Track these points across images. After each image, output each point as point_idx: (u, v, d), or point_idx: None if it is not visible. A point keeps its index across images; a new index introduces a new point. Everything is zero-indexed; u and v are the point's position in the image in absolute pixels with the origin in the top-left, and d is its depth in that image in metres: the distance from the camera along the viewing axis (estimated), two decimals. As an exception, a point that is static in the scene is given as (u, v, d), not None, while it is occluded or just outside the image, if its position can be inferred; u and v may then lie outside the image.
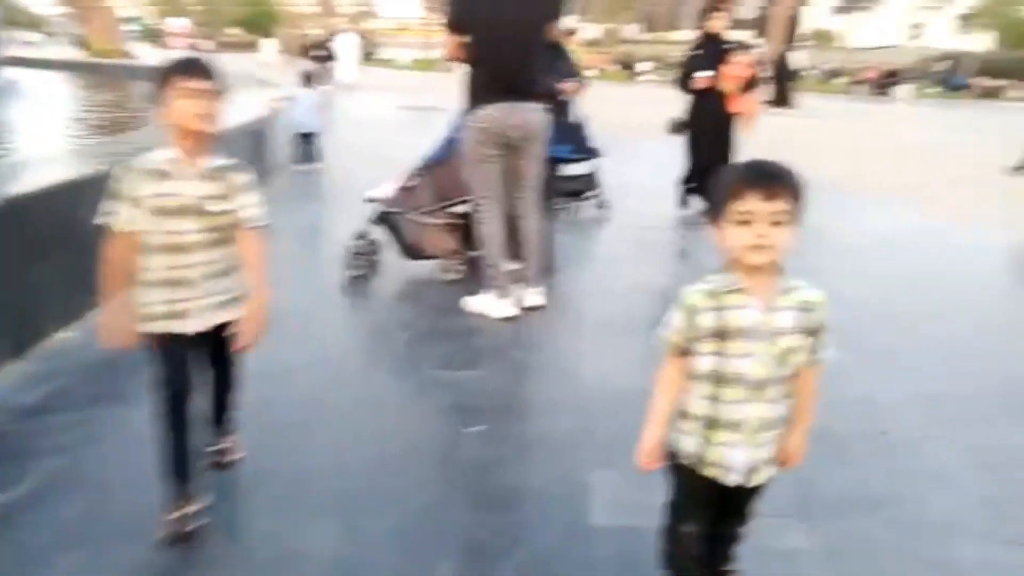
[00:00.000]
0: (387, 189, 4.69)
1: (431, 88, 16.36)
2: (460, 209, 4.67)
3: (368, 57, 43.51)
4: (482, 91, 3.93)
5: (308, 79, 9.42)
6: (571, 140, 6.45)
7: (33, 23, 72.22)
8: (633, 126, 11.90)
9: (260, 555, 2.16)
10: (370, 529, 2.28)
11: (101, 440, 2.73)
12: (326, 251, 5.23)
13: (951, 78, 35.10)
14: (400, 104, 16.51)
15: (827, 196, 6.94)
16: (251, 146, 7.46)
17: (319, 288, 4.57)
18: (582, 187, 6.85)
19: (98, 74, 26.56)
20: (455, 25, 3.95)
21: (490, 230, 4.10)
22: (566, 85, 6.34)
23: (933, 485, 2.62)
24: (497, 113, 3.89)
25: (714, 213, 1.60)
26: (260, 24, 66.06)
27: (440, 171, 4.55)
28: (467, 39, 3.92)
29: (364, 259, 4.72)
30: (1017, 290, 5.53)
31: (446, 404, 3.13)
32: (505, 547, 2.22)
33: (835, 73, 40.50)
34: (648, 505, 2.38)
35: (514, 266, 4.37)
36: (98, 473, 2.53)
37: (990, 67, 35.59)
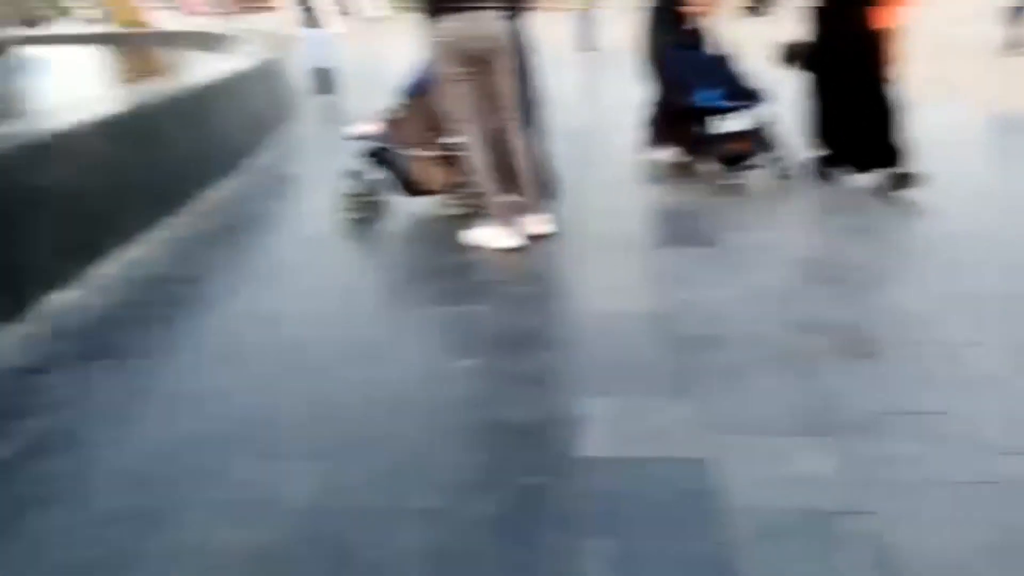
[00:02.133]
0: (369, 125, 4.49)
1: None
2: (455, 139, 4.47)
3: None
4: (437, 2, 3.67)
5: (313, 19, 10.40)
6: (719, 81, 4.82)
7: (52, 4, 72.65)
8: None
9: (234, 502, 2.07)
10: (352, 474, 2.16)
11: (90, 399, 2.66)
12: (325, 186, 5.06)
13: None
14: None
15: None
16: (266, 86, 7.92)
17: (314, 231, 4.44)
18: (743, 148, 4.90)
19: (115, 44, 27.00)
20: None
21: (476, 157, 3.91)
22: (694, 5, 4.91)
23: (970, 395, 2.41)
24: (461, 24, 3.66)
25: None
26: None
27: (424, 100, 4.32)
28: None
29: (360, 200, 4.56)
30: None
31: (438, 341, 2.98)
32: (492, 483, 2.09)
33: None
34: (646, 434, 2.25)
35: (513, 194, 4.19)
36: (86, 431, 2.47)
37: None
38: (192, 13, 45.60)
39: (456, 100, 3.81)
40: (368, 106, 9.35)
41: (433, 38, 3.72)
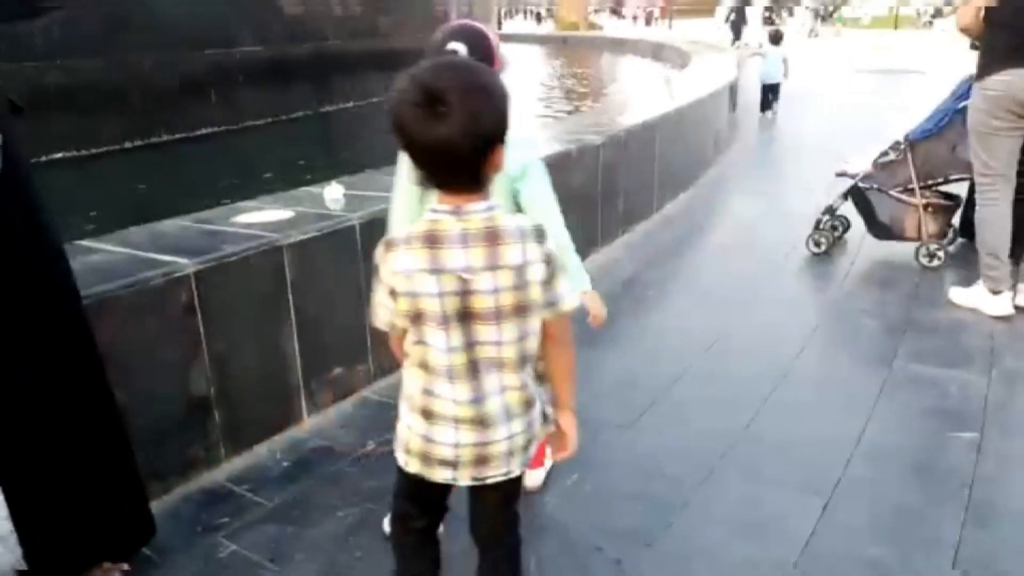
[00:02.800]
0: (861, 163, 4.41)
1: (893, 48, 15.14)
2: (948, 189, 4.22)
3: (826, 18, 40.54)
4: (1001, 54, 3.43)
5: (777, 38, 10.72)
6: None
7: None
8: None
9: (737, 517, 2.27)
10: (844, 514, 2.23)
11: (592, 374, 3.10)
12: (781, 211, 5.11)
13: None
14: (857, 67, 15.37)
15: None
16: (725, 103, 8.29)
17: (774, 257, 4.52)
18: None
19: (564, 46, 30.13)
20: None
21: (992, 213, 3.61)
22: None
23: None
24: (1016, 79, 3.37)
25: None
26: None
27: (928, 145, 4.13)
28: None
29: (829, 234, 4.53)
30: None
31: (922, 403, 2.87)
32: (1000, 573, 2.00)
33: None
34: None
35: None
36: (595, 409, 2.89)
37: None
38: (627, 16, 48.51)
39: (989, 153, 3.57)
40: (803, 124, 9.46)
41: (983, 89, 3.50)
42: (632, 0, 57.38)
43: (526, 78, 18.15)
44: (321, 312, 2.83)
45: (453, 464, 1.42)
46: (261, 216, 2.91)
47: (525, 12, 73.26)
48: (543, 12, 74.54)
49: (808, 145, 8.40)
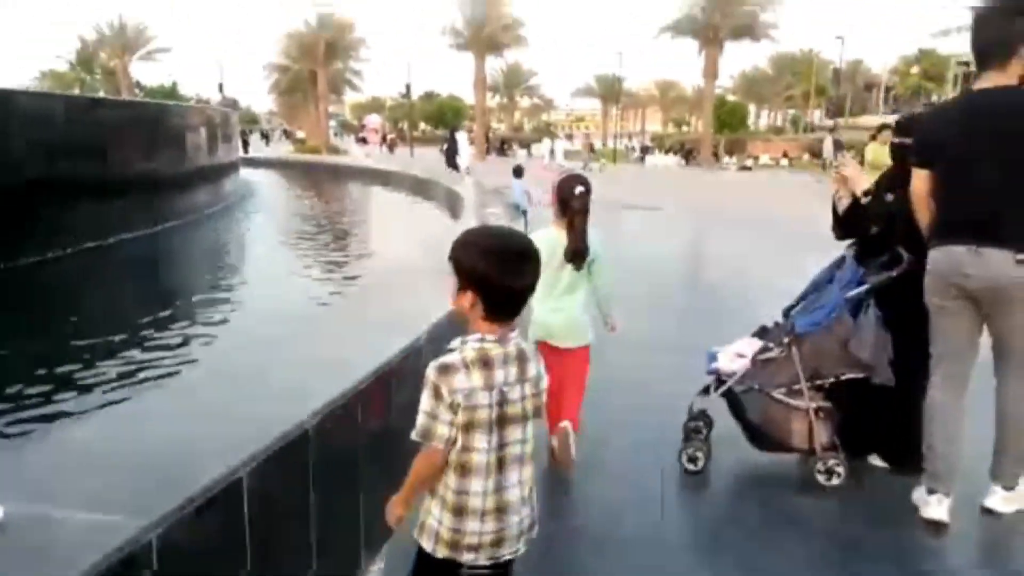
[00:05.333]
0: (732, 359, 3.66)
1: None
2: (836, 390, 3.57)
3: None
4: (937, 227, 3.15)
5: (519, 172, 12.19)
6: None
7: (251, 121, 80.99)
8: None
9: None
10: None
11: None
12: (613, 382, 4.21)
13: None
14: (609, 201, 16.02)
15: None
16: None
17: (646, 485, 3.54)
18: None
19: (318, 173, 29.29)
20: (921, 156, 3.19)
21: (936, 399, 3.18)
22: None
23: None
24: (944, 257, 3.07)
25: None
26: (446, 119, 70.04)
27: (815, 340, 3.47)
28: (930, 170, 3.15)
29: (702, 445, 3.68)
30: None
31: None
32: None
33: None
34: None
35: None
36: None
37: None
38: (368, 142, 48.99)
39: (935, 330, 3.22)
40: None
41: (928, 263, 3.17)
42: (369, 124, 58.12)
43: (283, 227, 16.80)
44: None
45: (476, 548, 1.77)
46: None
47: (260, 132, 71.33)
48: (272, 132, 73.09)
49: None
